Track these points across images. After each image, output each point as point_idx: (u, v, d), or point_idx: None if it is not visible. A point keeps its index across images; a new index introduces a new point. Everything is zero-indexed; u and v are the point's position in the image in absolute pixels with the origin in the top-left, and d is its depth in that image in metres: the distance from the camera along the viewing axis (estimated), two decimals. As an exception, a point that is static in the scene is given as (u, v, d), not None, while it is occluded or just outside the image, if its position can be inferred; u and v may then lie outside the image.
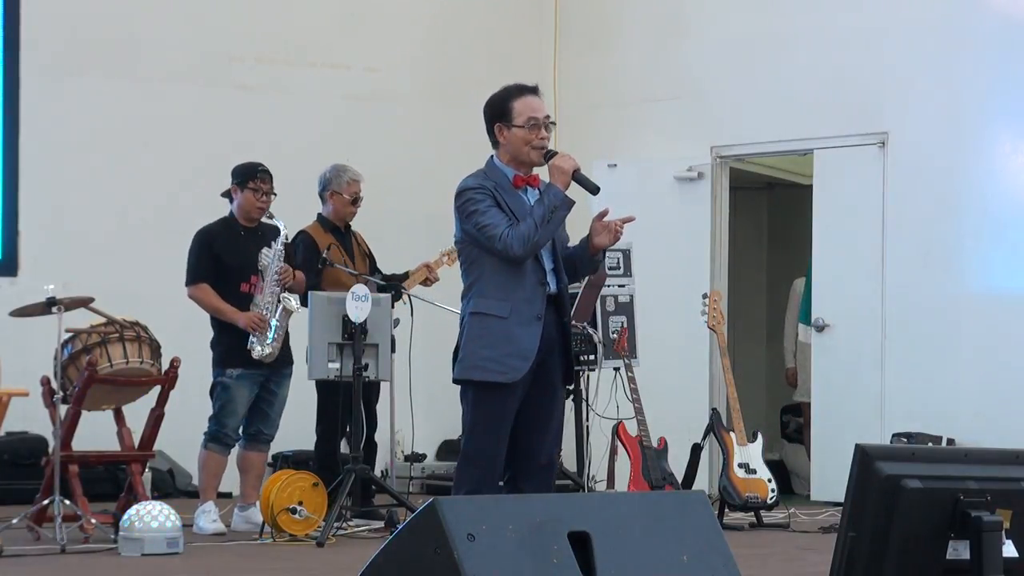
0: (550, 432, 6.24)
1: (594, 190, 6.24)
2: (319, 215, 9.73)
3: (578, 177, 6.21)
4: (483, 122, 6.37)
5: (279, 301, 9.03)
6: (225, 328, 9.02)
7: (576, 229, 6.46)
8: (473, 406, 6.19)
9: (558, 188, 6.17)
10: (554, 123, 6.31)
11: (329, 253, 9.50)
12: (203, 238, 9.13)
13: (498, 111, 6.24)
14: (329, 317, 8.85)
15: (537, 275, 6.18)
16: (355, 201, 9.68)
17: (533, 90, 6.27)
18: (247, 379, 9.04)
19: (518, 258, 6.10)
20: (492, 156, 6.31)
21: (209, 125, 11.80)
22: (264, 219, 9.14)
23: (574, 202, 6.22)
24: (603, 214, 6.25)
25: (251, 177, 9.12)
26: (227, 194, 9.23)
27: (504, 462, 6.19)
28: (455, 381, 6.31)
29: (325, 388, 9.43)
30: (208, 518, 8.98)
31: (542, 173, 6.39)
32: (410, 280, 9.73)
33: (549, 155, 6.23)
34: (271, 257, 9.08)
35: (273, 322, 9.01)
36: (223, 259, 9.07)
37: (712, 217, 11.98)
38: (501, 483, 6.27)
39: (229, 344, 9.01)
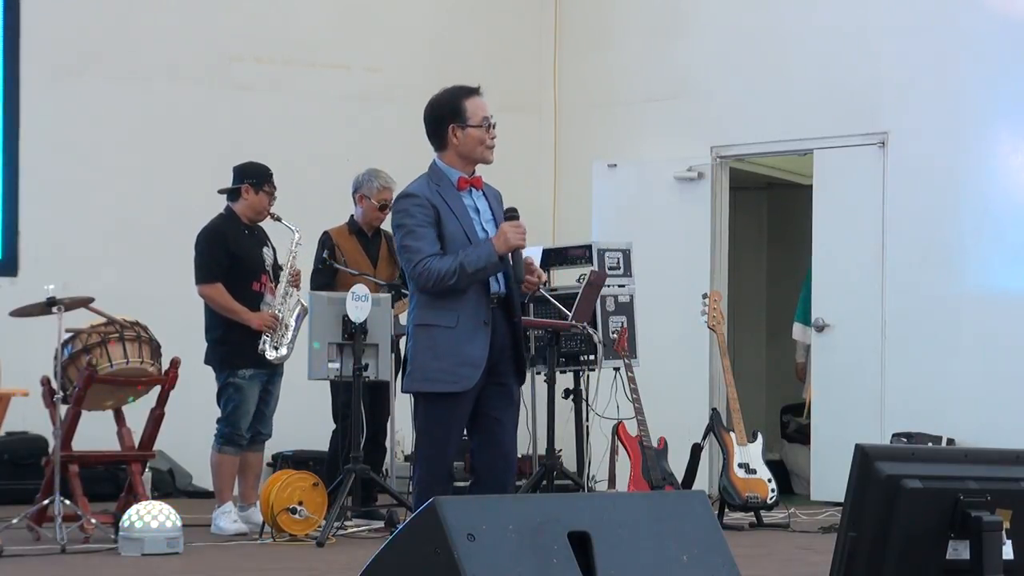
0: (507, 433, 6.25)
1: (516, 279, 6.12)
2: (351, 217, 9.74)
3: (514, 257, 6.10)
4: None
5: (298, 302, 9.04)
6: (234, 327, 8.99)
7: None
8: (424, 415, 6.18)
9: (494, 251, 6.05)
10: (495, 123, 6.26)
11: (329, 253, 9.50)
12: (215, 236, 9.07)
13: (450, 111, 6.17)
14: (329, 317, 8.86)
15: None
16: (383, 207, 9.63)
17: (478, 91, 6.28)
18: (257, 379, 9.04)
19: (425, 291, 6.06)
20: (435, 159, 6.24)
21: (209, 125, 11.81)
22: (274, 221, 9.15)
23: (501, 268, 6.11)
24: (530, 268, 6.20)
25: (267, 180, 9.14)
26: (230, 192, 9.19)
27: (464, 462, 6.28)
28: (405, 391, 6.32)
29: (336, 387, 9.44)
30: (228, 519, 8.98)
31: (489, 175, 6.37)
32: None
33: (511, 213, 6.18)
34: (287, 259, 9.10)
35: (291, 323, 9.02)
36: (237, 258, 9.05)
37: (712, 217, 11.98)
38: (465, 483, 6.37)
39: (239, 344, 8.97)
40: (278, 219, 9.16)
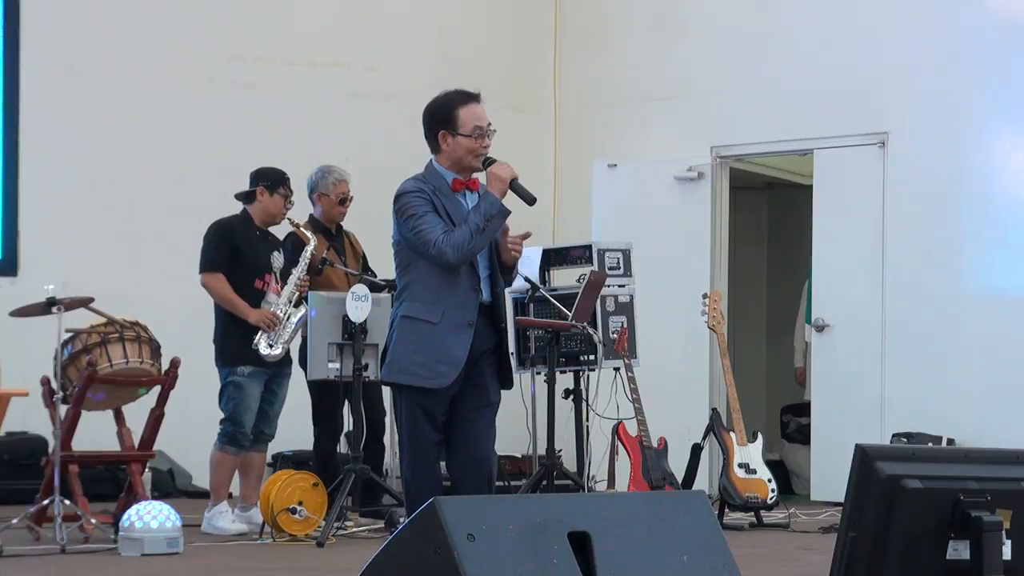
0: (479, 433, 6.29)
1: (531, 201, 6.23)
2: (310, 216, 9.72)
3: (515, 186, 6.22)
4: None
5: (300, 306, 9.05)
6: (234, 324, 9.00)
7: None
8: (404, 408, 6.29)
9: (495, 197, 6.19)
10: (495, 130, 6.29)
11: (328, 254, 9.50)
12: (222, 229, 9.12)
13: (441, 117, 6.25)
14: (329, 317, 8.86)
15: (471, 282, 6.24)
16: (343, 201, 9.67)
17: (476, 97, 6.30)
18: (257, 377, 9.04)
19: (451, 264, 6.15)
20: (432, 160, 6.33)
21: (209, 125, 11.81)
22: (292, 227, 9.18)
23: (510, 211, 6.23)
24: (505, 232, 6.26)
25: (282, 183, 9.19)
26: (246, 195, 9.21)
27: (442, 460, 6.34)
28: (383, 382, 6.47)
29: (319, 389, 9.43)
30: (226, 518, 8.99)
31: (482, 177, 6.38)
32: None
33: (487, 162, 6.24)
34: (298, 265, 9.11)
35: (292, 324, 9.02)
36: (241, 252, 9.07)
37: (712, 217, 11.98)
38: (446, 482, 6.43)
39: (239, 341, 8.98)
40: (297, 226, 9.20)
